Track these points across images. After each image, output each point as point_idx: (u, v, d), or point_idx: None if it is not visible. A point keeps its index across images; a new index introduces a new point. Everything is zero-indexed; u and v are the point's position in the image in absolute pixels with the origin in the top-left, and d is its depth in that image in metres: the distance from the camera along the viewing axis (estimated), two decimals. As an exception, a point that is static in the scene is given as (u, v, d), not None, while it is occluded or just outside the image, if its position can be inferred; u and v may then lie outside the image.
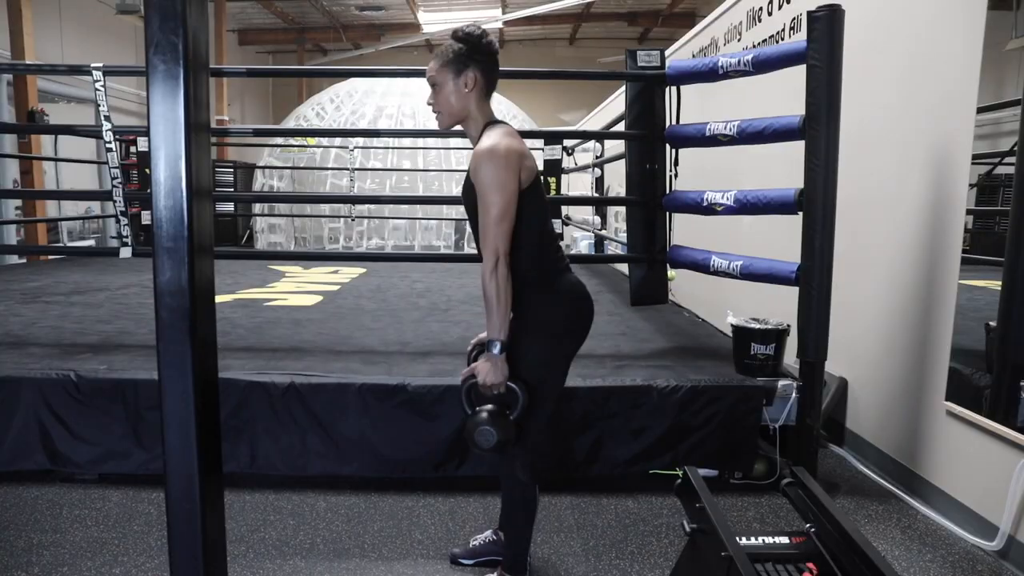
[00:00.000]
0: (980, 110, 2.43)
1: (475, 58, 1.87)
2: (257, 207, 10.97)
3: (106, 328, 3.59)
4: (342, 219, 11.03)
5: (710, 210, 3.12)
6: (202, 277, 1.03)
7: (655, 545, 2.37)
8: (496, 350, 1.79)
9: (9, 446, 2.72)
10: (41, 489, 2.70)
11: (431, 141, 10.12)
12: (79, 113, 10.25)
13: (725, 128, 3.03)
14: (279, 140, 11.10)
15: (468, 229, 11.29)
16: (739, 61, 2.95)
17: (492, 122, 1.90)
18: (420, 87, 11.92)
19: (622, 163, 4.11)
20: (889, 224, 3.01)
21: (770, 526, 2.54)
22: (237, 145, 14.30)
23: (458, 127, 1.96)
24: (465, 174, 1.97)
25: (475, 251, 2.04)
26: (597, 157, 6.56)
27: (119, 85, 11.64)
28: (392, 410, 2.70)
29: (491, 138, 1.82)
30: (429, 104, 1.92)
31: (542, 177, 2.07)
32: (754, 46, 4.41)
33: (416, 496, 2.70)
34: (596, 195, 6.76)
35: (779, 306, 3.34)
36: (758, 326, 2.86)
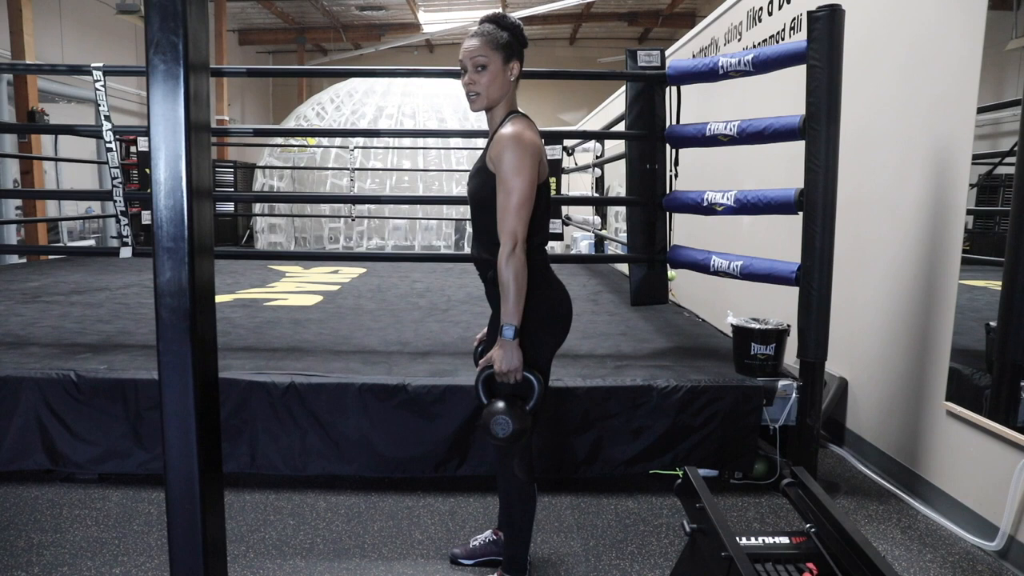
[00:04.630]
0: (980, 110, 2.43)
1: (518, 50, 1.90)
2: (257, 207, 10.97)
3: (106, 328, 3.59)
4: (342, 219, 11.04)
5: (710, 210, 3.12)
6: (202, 277, 1.03)
7: (655, 545, 2.37)
8: (510, 335, 1.78)
9: (9, 446, 2.72)
10: (41, 489, 2.70)
11: (431, 141, 10.12)
12: (79, 113, 10.25)
13: (725, 128, 3.03)
14: (279, 140, 11.10)
15: (468, 229, 11.33)
16: (739, 61, 2.95)
17: (516, 112, 1.92)
18: (420, 87, 11.94)
19: (622, 163, 4.11)
20: (889, 224, 3.01)
21: (770, 526, 2.54)
22: (237, 145, 14.30)
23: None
24: (474, 164, 1.97)
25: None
26: (597, 157, 6.56)
27: (119, 85, 11.65)
28: (392, 410, 2.70)
29: (517, 126, 1.83)
30: (468, 83, 1.87)
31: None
32: (754, 46, 4.41)
33: (416, 496, 2.70)
34: (596, 195, 6.76)
35: (779, 306, 3.34)
36: (758, 326, 2.86)
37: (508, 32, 1.87)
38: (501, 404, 1.81)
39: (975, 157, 2.47)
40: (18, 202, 8.92)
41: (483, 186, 1.87)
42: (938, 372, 2.63)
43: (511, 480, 1.97)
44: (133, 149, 9.24)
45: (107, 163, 3.47)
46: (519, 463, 1.94)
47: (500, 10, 13.90)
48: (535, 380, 1.83)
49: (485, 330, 2.06)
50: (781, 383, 2.79)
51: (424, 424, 2.70)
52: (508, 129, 1.81)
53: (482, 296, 4.45)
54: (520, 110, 1.94)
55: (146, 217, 4.93)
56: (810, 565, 1.54)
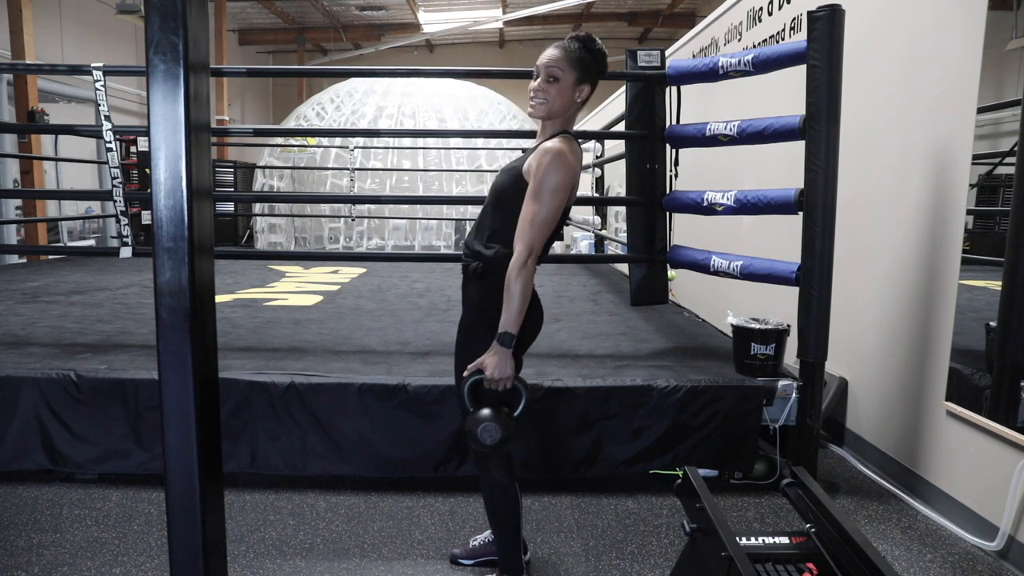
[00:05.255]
0: (980, 110, 2.43)
1: (596, 77, 1.90)
2: (257, 207, 10.98)
3: (106, 328, 3.59)
4: (342, 219, 11.05)
5: (710, 210, 3.12)
6: (202, 277, 1.03)
7: (655, 545, 2.37)
8: (508, 343, 1.79)
9: (9, 446, 2.72)
10: (41, 489, 2.70)
11: (431, 141, 10.12)
12: (79, 113, 10.25)
13: (725, 128, 3.03)
14: (279, 140, 11.10)
15: (468, 228, 11.33)
16: (739, 61, 2.95)
17: (569, 132, 1.92)
18: (420, 87, 11.94)
19: (622, 163, 4.11)
20: (889, 224, 3.01)
21: (770, 526, 2.54)
22: (237, 145, 14.31)
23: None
24: (511, 161, 1.97)
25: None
26: (597, 157, 6.56)
27: (119, 85, 11.65)
28: (392, 410, 2.70)
29: (566, 145, 1.83)
30: (537, 89, 1.88)
31: None
32: (754, 46, 4.41)
33: (416, 496, 2.70)
34: (596, 195, 6.76)
35: (779, 306, 3.34)
36: (758, 326, 2.86)
37: (592, 56, 1.88)
38: (488, 411, 1.80)
39: (975, 157, 2.47)
40: (18, 202, 8.92)
41: (511, 186, 1.88)
42: (938, 372, 2.63)
43: (492, 484, 1.97)
44: (133, 149, 9.26)
45: (107, 163, 3.47)
46: (497, 466, 1.94)
47: (492, 13, 13.97)
48: (523, 388, 1.83)
49: None
50: (781, 383, 2.79)
51: (424, 424, 2.70)
52: (557, 144, 1.82)
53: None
54: (573, 132, 1.95)
55: (146, 217, 4.93)
56: (810, 565, 1.54)
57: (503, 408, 1.83)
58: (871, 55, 3.16)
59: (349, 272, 6.42)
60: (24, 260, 7.43)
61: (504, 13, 14.30)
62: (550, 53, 1.87)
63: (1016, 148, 2.25)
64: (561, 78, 1.85)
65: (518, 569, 2.02)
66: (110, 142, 3.37)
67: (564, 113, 1.90)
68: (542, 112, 1.89)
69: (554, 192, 1.79)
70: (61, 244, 9.24)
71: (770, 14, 4.19)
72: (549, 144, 1.82)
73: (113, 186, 3.43)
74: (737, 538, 1.55)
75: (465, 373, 1.87)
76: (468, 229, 10.73)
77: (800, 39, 2.76)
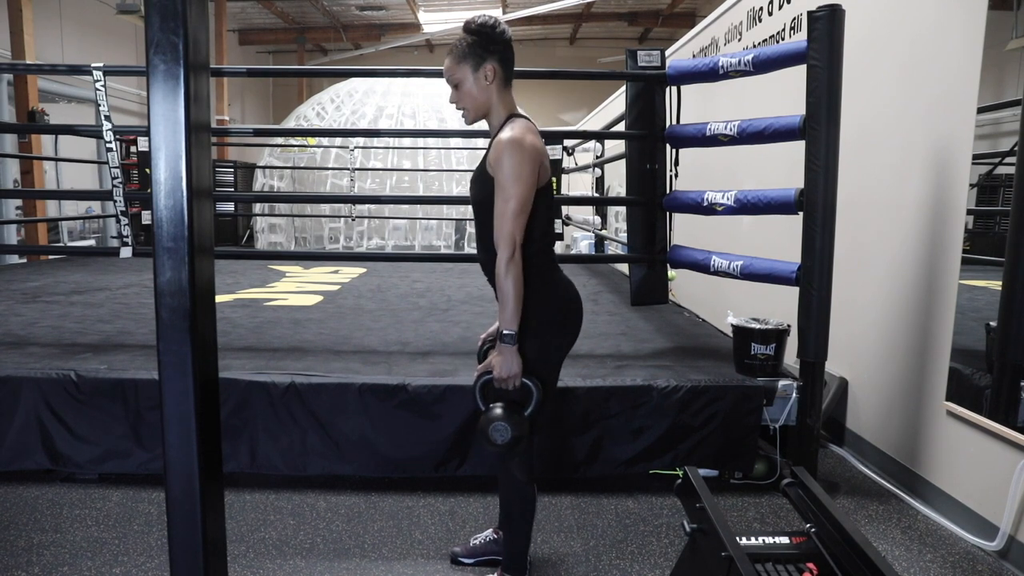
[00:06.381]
0: (980, 110, 2.43)
1: (491, 48, 1.85)
2: (257, 207, 10.98)
3: (106, 328, 3.59)
4: (342, 219, 11.04)
5: (710, 210, 3.12)
6: (202, 277, 1.03)
7: (655, 545, 2.37)
8: (510, 341, 1.78)
9: (9, 446, 2.72)
10: (41, 489, 2.70)
11: (431, 141, 10.13)
12: (79, 113, 10.25)
13: (725, 128, 3.03)
14: (279, 140, 11.10)
15: (469, 229, 11.35)
16: (739, 61, 2.95)
17: (515, 115, 1.90)
18: (420, 87, 11.95)
19: (622, 163, 4.11)
20: (889, 224, 3.01)
21: (770, 526, 2.54)
22: (237, 145, 14.30)
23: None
24: (475, 169, 1.96)
25: (475, 251, 2.04)
26: (597, 157, 6.55)
27: (119, 85, 11.65)
28: (392, 410, 2.70)
29: (515, 130, 1.81)
30: (452, 103, 1.90)
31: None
32: (754, 46, 4.41)
33: (416, 496, 2.70)
34: (596, 195, 6.76)
35: (779, 306, 3.34)
36: (758, 326, 2.86)
37: (473, 36, 1.85)
38: (499, 411, 1.80)
39: (975, 157, 2.47)
40: (18, 202, 8.92)
41: (484, 191, 1.86)
42: (938, 372, 2.63)
43: (511, 481, 1.97)
44: (133, 149, 9.24)
45: (107, 163, 3.47)
46: (518, 464, 1.94)
47: (490, 13, 13.95)
48: (533, 387, 1.82)
49: (495, 326, 2.05)
50: (781, 383, 2.79)
51: (424, 424, 2.70)
52: (507, 134, 1.80)
53: (482, 296, 4.43)
54: (520, 111, 1.92)
55: (146, 217, 4.93)
56: (810, 565, 1.54)
57: (516, 407, 1.82)
58: (871, 55, 3.16)
59: (349, 272, 6.42)
60: (24, 260, 7.43)
61: (504, 13, 14.29)
62: (445, 63, 1.89)
63: (1016, 148, 2.25)
64: (460, 79, 1.86)
65: (523, 568, 2.01)
66: (110, 142, 3.37)
67: (487, 104, 1.88)
68: (472, 118, 1.91)
69: (517, 179, 1.76)
70: (61, 244, 9.23)
71: (770, 14, 4.19)
72: (500, 136, 1.82)
73: (113, 186, 3.43)
74: (737, 538, 1.55)
75: (475, 373, 1.87)
76: (469, 230, 10.64)
77: (800, 39, 2.76)
